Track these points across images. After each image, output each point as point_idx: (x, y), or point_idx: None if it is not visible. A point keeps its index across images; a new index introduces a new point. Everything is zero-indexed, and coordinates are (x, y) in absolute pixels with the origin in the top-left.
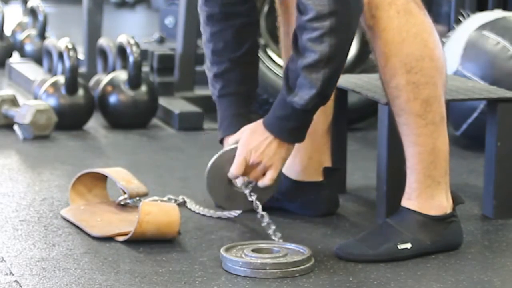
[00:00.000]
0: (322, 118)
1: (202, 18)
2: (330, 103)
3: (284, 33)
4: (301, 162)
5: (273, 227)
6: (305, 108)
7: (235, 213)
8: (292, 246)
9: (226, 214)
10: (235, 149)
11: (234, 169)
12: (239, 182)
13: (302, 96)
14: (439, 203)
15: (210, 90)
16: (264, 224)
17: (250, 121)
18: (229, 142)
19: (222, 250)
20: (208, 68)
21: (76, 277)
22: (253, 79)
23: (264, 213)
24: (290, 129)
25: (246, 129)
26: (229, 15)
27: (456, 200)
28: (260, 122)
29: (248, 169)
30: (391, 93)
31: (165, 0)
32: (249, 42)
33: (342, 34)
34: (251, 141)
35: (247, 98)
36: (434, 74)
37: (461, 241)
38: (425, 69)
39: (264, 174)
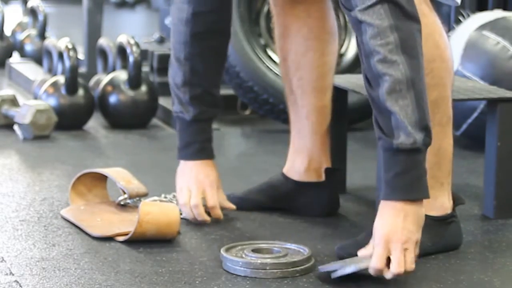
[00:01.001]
0: (320, 119)
1: (184, 33)
2: (328, 103)
3: (279, 34)
4: (301, 163)
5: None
6: (414, 146)
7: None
8: (293, 246)
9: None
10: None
11: (376, 263)
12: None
13: (403, 134)
14: (441, 204)
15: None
16: None
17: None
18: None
19: (222, 250)
20: (180, 85)
21: (76, 277)
22: (220, 99)
23: None
24: (415, 181)
25: (376, 224)
26: (212, 34)
27: (457, 201)
28: (381, 204)
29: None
30: None
31: (165, 0)
32: (224, 63)
33: (411, 48)
34: (385, 228)
35: (214, 120)
36: (444, 75)
37: (461, 242)
38: (436, 70)
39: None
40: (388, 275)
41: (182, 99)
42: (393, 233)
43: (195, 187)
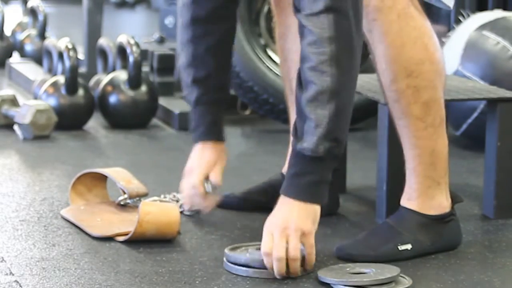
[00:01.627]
0: None
1: (184, 18)
2: None
3: (280, 34)
4: None
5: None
6: (315, 155)
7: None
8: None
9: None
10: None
11: (264, 247)
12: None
13: (310, 140)
14: (439, 203)
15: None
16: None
17: (223, 128)
18: (191, 164)
19: (226, 250)
20: (185, 68)
21: (76, 277)
22: (229, 84)
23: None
24: (307, 185)
25: (270, 217)
26: (214, 18)
27: (455, 199)
28: (280, 199)
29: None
30: (391, 96)
31: (165, 0)
32: (230, 48)
33: (345, 62)
34: (273, 217)
35: (223, 103)
36: (434, 78)
37: (460, 240)
38: (425, 72)
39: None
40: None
41: (187, 82)
42: (281, 224)
43: (197, 169)
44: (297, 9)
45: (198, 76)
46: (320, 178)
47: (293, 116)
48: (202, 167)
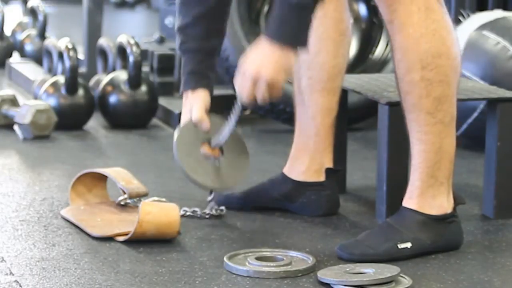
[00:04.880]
0: (326, 120)
1: None
2: (336, 106)
3: None
4: (302, 163)
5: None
6: (301, 2)
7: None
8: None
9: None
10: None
11: (236, 86)
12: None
13: None
14: (439, 204)
15: None
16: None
17: (206, 78)
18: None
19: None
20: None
21: (76, 277)
22: (217, 34)
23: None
24: (290, 30)
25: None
26: None
27: (457, 200)
28: (261, 39)
29: (249, 86)
30: (404, 87)
31: (165, 0)
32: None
33: None
34: (250, 57)
35: (207, 54)
36: (449, 73)
37: (461, 241)
38: (441, 66)
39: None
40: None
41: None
42: (255, 65)
43: (184, 108)
44: None
45: (180, 25)
46: (304, 23)
47: (299, 115)
48: (186, 114)
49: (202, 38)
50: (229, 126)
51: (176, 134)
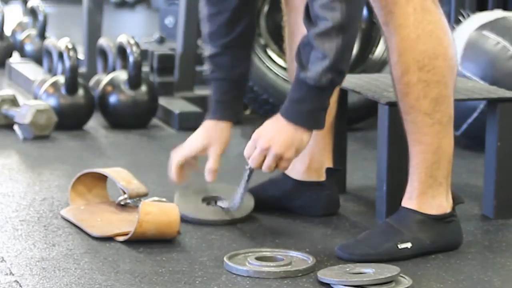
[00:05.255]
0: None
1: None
2: (333, 104)
3: (289, 33)
4: (302, 163)
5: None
6: (319, 85)
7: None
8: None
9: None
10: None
11: (246, 151)
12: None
13: (315, 70)
14: (439, 203)
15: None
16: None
17: (230, 108)
18: (194, 137)
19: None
20: (205, 42)
21: (76, 277)
22: (244, 62)
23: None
24: (306, 112)
25: (268, 126)
26: None
27: (456, 200)
28: (278, 116)
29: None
30: (401, 89)
31: (165, 0)
32: (243, 25)
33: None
34: (264, 129)
35: (233, 82)
36: (446, 74)
37: (461, 241)
38: (438, 67)
39: (276, 166)
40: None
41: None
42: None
43: (185, 148)
44: None
45: (209, 54)
46: (320, 106)
47: None
48: (191, 147)
49: (229, 67)
50: (240, 190)
51: (177, 196)
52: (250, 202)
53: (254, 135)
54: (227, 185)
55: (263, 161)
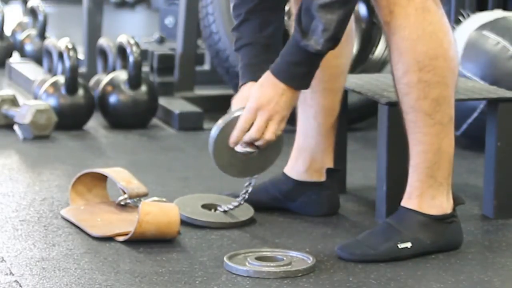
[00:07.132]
0: (328, 120)
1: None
2: (337, 106)
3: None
4: (303, 163)
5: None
6: (319, 52)
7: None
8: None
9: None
10: (236, 118)
11: (243, 124)
12: (238, 148)
13: (317, 40)
14: (439, 204)
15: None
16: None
17: (263, 70)
18: (234, 103)
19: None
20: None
21: (76, 277)
22: (271, 25)
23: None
24: (301, 75)
25: (256, 85)
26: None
27: (457, 201)
28: (268, 73)
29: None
30: (402, 89)
31: (165, 0)
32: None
33: None
34: (261, 96)
35: (262, 47)
36: (446, 74)
37: (461, 241)
38: (438, 68)
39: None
40: (245, 137)
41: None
42: (266, 103)
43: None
44: None
45: (234, 27)
46: (313, 70)
47: (300, 115)
48: (237, 106)
49: (256, 32)
50: (238, 199)
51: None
52: (249, 210)
53: (250, 102)
54: (227, 197)
55: (263, 130)
